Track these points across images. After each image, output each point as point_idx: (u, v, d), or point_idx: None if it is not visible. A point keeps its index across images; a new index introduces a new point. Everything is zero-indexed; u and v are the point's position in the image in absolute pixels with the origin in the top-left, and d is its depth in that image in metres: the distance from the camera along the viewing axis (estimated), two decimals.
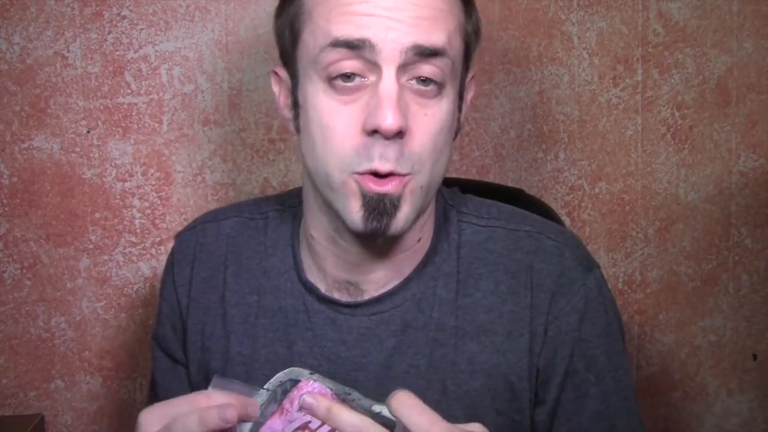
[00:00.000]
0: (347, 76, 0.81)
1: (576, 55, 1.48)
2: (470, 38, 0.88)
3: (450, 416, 0.90)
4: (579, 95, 1.49)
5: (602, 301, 0.92)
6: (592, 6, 1.47)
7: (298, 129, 0.88)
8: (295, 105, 0.88)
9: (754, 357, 1.59)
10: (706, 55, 1.51)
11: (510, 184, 1.46)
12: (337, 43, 0.80)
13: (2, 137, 1.39)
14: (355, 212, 0.83)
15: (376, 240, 0.87)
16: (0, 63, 1.37)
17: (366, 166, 0.82)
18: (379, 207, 0.82)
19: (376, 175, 0.82)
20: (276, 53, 1.40)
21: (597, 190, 1.52)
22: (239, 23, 1.41)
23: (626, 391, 0.93)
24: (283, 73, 0.90)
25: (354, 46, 0.80)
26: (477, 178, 1.46)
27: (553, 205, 1.44)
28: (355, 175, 0.82)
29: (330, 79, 0.82)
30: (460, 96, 0.89)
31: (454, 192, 0.98)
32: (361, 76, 0.81)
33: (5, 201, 1.40)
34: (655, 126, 1.51)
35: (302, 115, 0.86)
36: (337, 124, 0.82)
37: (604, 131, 1.51)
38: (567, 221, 1.48)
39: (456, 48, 0.84)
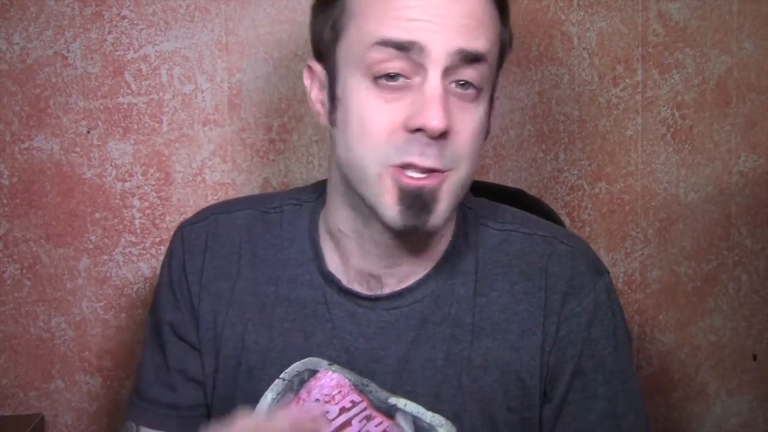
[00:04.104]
0: (391, 76, 0.83)
1: (576, 55, 1.48)
2: (505, 47, 0.90)
3: (464, 411, 0.91)
4: (579, 95, 1.49)
5: (610, 305, 0.95)
6: (592, 6, 1.47)
7: (332, 122, 0.89)
8: (332, 98, 0.89)
9: (754, 357, 1.59)
10: (706, 55, 1.51)
11: (510, 185, 1.46)
12: (387, 43, 0.82)
13: (2, 137, 1.38)
14: (391, 207, 0.84)
15: (412, 236, 0.88)
16: (0, 63, 1.37)
17: (403, 159, 0.83)
18: (417, 202, 0.83)
19: (414, 169, 0.83)
20: (277, 53, 1.41)
21: (597, 190, 1.52)
22: (239, 23, 1.41)
23: (633, 394, 0.95)
24: (317, 67, 0.91)
25: (403, 47, 0.81)
26: (477, 178, 1.46)
27: (553, 206, 1.44)
28: (391, 168, 0.83)
29: (375, 78, 0.83)
30: (491, 101, 0.91)
31: (469, 195, 0.99)
32: (406, 76, 0.83)
33: (5, 201, 1.40)
34: (655, 126, 1.51)
35: (340, 109, 0.87)
36: (377, 120, 0.83)
37: (604, 131, 1.51)
38: (567, 221, 1.48)
39: (494, 55, 0.87)
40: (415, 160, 0.82)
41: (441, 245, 0.94)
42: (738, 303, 1.58)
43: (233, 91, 1.42)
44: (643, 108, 1.51)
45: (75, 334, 1.43)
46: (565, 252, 0.94)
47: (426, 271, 0.94)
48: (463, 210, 0.97)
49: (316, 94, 0.92)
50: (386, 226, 0.87)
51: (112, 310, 1.44)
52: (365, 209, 0.88)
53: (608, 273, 0.96)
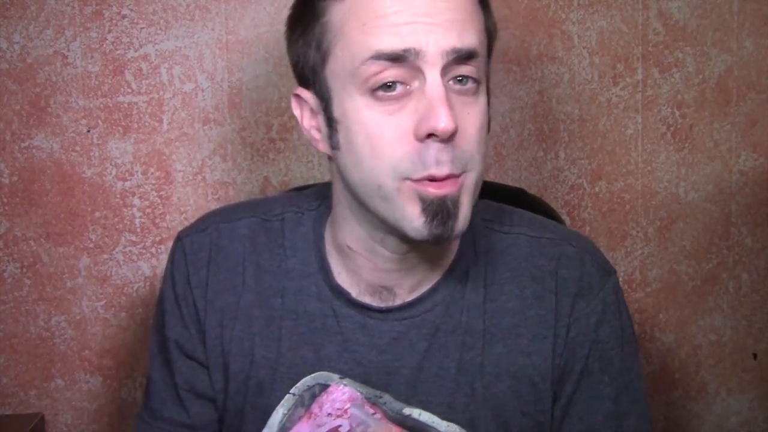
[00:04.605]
0: (388, 86, 0.81)
1: (576, 54, 1.48)
2: (492, 36, 0.89)
3: (478, 418, 0.91)
4: (579, 94, 1.49)
5: (618, 305, 0.95)
6: (592, 5, 1.47)
7: (333, 146, 0.87)
8: (329, 122, 0.86)
9: (754, 356, 1.59)
10: (707, 54, 1.51)
11: (510, 184, 1.46)
12: (380, 56, 0.80)
13: (2, 136, 1.38)
14: (416, 219, 0.82)
15: (437, 245, 0.86)
16: (0, 62, 1.37)
17: (423, 173, 0.81)
18: (442, 211, 0.82)
19: (433, 179, 0.81)
20: (277, 53, 1.41)
21: (597, 189, 1.52)
22: (239, 22, 1.40)
23: (636, 394, 0.95)
24: (306, 94, 0.89)
25: (397, 57, 0.80)
26: None
27: (554, 205, 1.44)
28: (409, 182, 0.81)
29: (372, 91, 0.81)
30: (487, 92, 0.90)
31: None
32: (404, 83, 0.81)
33: (5, 200, 1.40)
34: (655, 125, 1.51)
35: (342, 131, 0.85)
36: (385, 135, 0.81)
37: (605, 130, 1.51)
38: (567, 220, 1.48)
39: (484, 47, 0.85)
40: (433, 171, 0.81)
41: (450, 252, 0.93)
42: (738, 302, 1.58)
43: (233, 90, 1.42)
44: (644, 107, 1.51)
45: (75, 333, 1.43)
46: (574, 254, 0.94)
47: (436, 279, 0.93)
48: None
49: (309, 122, 0.90)
50: (407, 240, 0.85)
51: (113, 309, 1.44)
52: (381, 226, 0.87)
53: (615, 273, 0.96)
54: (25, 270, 1.41)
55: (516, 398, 0.92)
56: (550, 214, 1.16)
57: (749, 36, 1.52)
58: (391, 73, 0.80)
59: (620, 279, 1.52)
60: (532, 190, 1.43)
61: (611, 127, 1.51)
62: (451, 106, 0.80)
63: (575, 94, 1.49)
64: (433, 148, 0.80)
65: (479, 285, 0.93)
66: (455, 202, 0.82)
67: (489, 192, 1.05)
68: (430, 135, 0.80)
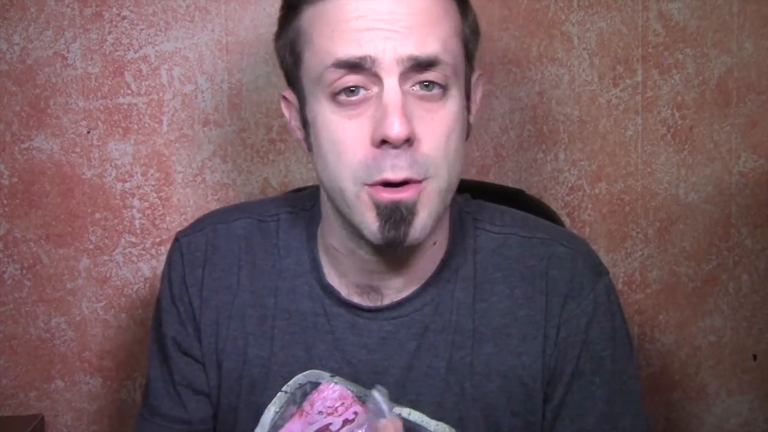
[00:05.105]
0: (351, 90, 0.82)
1: (576, 56, 1.48)
2: (469, 39, 0.89)
3: (468, 418, 0.91)
4: (579, 95, 1.49)
5: (610, 306, 0.94)
6: (592, 6, 1.47)
7: (309, 148, 0.89)
8: (304, 125, 0.89)
9: (754, 357, 1.59)
10: (707, 55, 1.51)
11: (510, 185, 1.46)
12: (340, 64, 0.81)
13: (2, 137, 1.38)
14: (371, 224, 0.83)
15: (395, 250, 0.87)
16: (0, 63, 1.37)
17: (377, 177, 0.82)
18: (395, 215, 0.82)
19: (391, 184, 0.82)
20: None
21: (597, 191, 1.52)
22: (239, 23, 1.41)
23: (631, 395, 0.94)
24: (290, 95, 0.91)
25: (355, 65, 0.81)
26: (477, 178, 1.46)
27: (553, 206, 1.44)
28: (367, 187, 0.83)
29: (334, 95, 0.83)
30: (468, 97, 0.89)
31: (467, 198, 0.99)
32: (365, 88, 0.82)
33: (5, 201, 1.40)
34: (655, 126, 1.51)
35: (312, 134, 0.87)
36: (345, 139, 0.83)
37: (604, 132, 1.50)
38: (567, 222, 1.48)
39: (453, 52, 0.85)
40: (388, 175, 0.81)
41: (437, 253, 0.93)
42: (738, 303, 1.58)
43: (233, 91, 1.42)
44: (643, 108, 1.51)
45: (75, 334, 1.43)
46: (565, 254, 0.94)
47: (425, 279, 0.93)
48: (459, 215, 0.96)
49: (295, 122, 0.92)
50: (371, 244, 0.86)
51: (112, 310, 1.44)
52: (353, 228, 0.88)
53: (608, 274, 0.96)
54: (25, 271, 1.41)
55: (506, 398, 0.92)
56: (550, 215, 1.16)
57: (749, 37, 1.52)
58: (351, 78, 0.82)
59: (620, 280, 1.53)
60: (532, 192, 1.43)
61: (611, 128, 1.51)
62: (407, 113, 0.81)
63: (575, 96, 1.49)
64: (389, 154, 0.81)
65: (469, 285, 0.93)
66: (410, 208, 0.83)
67: (489, 193, 1.06)
68: (384, 141, 0.81)
